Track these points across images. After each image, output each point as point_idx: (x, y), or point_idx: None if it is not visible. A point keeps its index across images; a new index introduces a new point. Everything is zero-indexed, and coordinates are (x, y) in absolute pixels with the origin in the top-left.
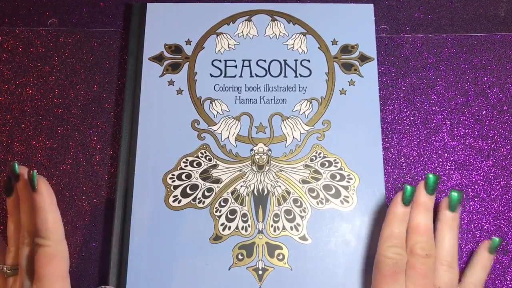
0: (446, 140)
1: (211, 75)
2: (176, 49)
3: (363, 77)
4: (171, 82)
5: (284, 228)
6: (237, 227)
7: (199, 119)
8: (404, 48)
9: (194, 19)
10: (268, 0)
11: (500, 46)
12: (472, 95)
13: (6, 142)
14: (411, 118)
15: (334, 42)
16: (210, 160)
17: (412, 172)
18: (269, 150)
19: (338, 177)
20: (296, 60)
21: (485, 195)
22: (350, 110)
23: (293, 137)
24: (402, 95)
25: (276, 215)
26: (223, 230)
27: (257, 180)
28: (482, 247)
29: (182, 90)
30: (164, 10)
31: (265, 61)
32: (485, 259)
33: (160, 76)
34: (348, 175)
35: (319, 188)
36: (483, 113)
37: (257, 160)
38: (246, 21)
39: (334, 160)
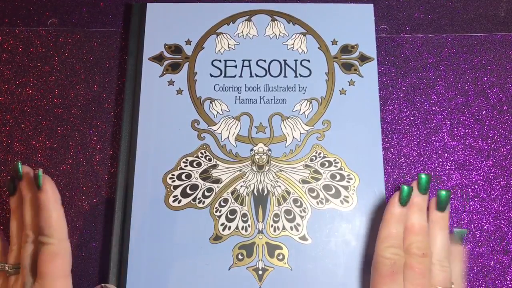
0: (446, 140)
1: (211, 75)
2: (176, 49)
3: (363, 77)
4: (171, 82)
5: (284, 228)
6: (237, 227)
7: (199, 119)
8: (404, 48)
9: (194, 19)
10: (268, 0)
11: (500, 46)
12: (472, 95)
13: (6, 142)
14: (411, 118)
15: (334, 42)
16: (210, 160)
17: (412, 172)
18: (269, 150)
19: (338, 177)
20: (296, 60)
21: (485, 195)
22: (350, 110)
23: (293, 137)
24: (402, 95)
25: (276, 215)
26: (223, 230)
27: (257, 180)
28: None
29: (182, 90)
30: (164, 10)
31: (265, 61)
32: (455, 251)
33: (160, 76)
34: (348, 175)
35: (319, 188)
36: (483, 113)
37: (257, 160)
38: (246, 21)
39: (334, 160)
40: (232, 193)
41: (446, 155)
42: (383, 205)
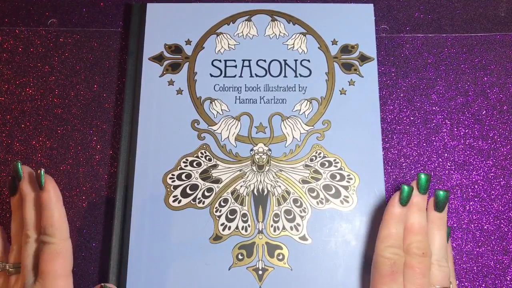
0: (446, 140)
1: (211, 75)
2: (176, 49)
3: (363, 77)
4: (171, 82)
5: (284, 228)
6: (237, 227)
7: (199, 119)
8: (404, 48)
9: (194, 19)
10: (268, 0)
11: (500, 46)
12: (472, 95)
13: (6, 142)
14: (411, 118)
15: (334, 42)
16: (210, 160)
17: (412, 172)
18: (269, 150)
19: (338, 177)
20: (296, 60)
21: (485, 195)
22: (350, 110)
23: (293, 137)
24: (402, 95)
25: (276, 215)
26: (223, 230)
27: (257, 180)
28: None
29: (182, 90)
30: (164, 10)
31: (265, 61)
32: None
33: (160, 76)
34: (348, 175)
35: (319, 188)
36: (483, 113)
37: (257, 160)
38: (246, 21)
39: (334, 160)
40: (232, 193)
41: (446, 155)
42: (383, 205)
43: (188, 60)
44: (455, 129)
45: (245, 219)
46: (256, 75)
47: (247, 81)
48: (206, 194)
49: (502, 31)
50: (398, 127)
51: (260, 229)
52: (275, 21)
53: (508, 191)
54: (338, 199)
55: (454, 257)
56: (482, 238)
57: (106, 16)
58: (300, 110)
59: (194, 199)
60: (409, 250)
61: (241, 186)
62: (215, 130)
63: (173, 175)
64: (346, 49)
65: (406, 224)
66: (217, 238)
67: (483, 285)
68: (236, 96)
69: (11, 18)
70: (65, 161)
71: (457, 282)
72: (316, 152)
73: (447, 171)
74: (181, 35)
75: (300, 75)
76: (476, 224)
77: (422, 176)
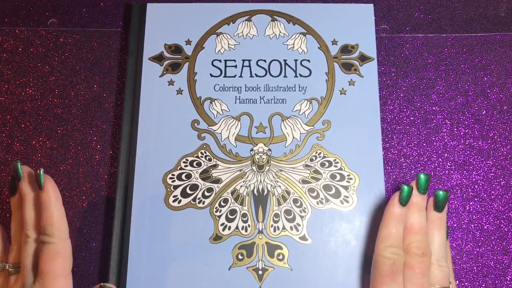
0: (446, 140)
1: (211, 75)
2: (176, 49)
3: (363, 77)
4: (171, 82)
5: (284, 228)
6: (237, 227)
7: (199, 119)
8: (404, 48)
9: (194, 19)
10: (268, 0)
11: (500, 46)
12: (472, 95)
13: (6, 142)
14: (411, 118)
15: (334, 42)
16: (210, 160)
17: (412, 172)
18: (269, 150)
19: (338, 177)
20: (296, 60)
21: (485, 195)
22: (350, 110)
23: (293, 137)
24: (402, 95)
25: (276, 215)
26: (223, 230)
27: (257, 180)
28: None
29: (182, 90)
30: (164, 10)
31: (265, 61)
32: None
33: (160, 76)
34: (348, 175)
35: (319, 188)
36: (483, 113)
37: (257, 160)
38: (246, 21)
39: (334, 160)
40: (232, 193)
41: (446, 155)
42: (383, 205)
43: (188, 60)
44: (455, 129)
45: (245, 219)
46: (256, 75)
47: (247, 81)
48: (206, 194)
49: (502, 31)
50: (398, 127)
51: (260, 229)
52: (275, 21)
53: (508, 191)
54: (338, 199)
55: (454, 257)
56: (482, 238)
57: (106, 16)
58: (300, 110)
59: (194, 199)
60: (409, 250)
61: (241, 186)
62: (215, 130)
63: (173, 175)
64: (346, 49)
65: (406, 224)
66: (217, 238)
67: (483, 285)
68: (236, 96)
69: (11, 18)
70: (65, 161)
71: (457, 282)
72: (316, 152)
73: (447, 171)
74: (181, 35)
75: (300, 75)
76: (476, 224)
77: (422, 176)
